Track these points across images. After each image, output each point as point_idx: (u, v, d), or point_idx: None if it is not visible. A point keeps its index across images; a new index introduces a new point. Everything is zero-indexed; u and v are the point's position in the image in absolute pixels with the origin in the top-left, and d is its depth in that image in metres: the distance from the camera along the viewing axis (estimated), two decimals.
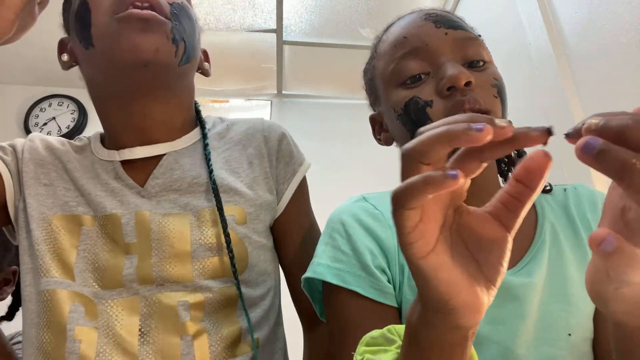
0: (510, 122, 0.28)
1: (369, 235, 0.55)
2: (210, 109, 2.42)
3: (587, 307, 0.52)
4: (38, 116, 2.21)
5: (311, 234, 0.71)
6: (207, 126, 0.72)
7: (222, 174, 0.66)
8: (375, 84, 0.64)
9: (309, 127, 2.32)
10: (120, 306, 0.57)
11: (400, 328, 0.41)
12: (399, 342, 0.40)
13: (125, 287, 0.57)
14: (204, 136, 0.69)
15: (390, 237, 0.55)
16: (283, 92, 2.51)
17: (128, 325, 0.56)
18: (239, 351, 0.59)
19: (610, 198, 0.30)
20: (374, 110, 0.68)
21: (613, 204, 0.29)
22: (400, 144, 0.63)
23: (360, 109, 0.78)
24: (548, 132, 0.27)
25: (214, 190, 0.62)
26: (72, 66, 0.66)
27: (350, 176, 2.02)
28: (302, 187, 0.73)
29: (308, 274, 0.56)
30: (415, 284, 0.32)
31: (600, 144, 0.24)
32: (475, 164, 0.29)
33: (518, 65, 1.50)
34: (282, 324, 0.70)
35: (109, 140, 0.68)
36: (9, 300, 1.01)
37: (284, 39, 2.14)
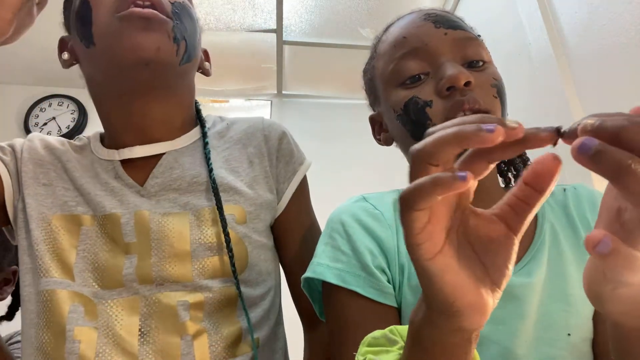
0: (519, 123, 0.27)
1: (369, 235, 0.55)
2: (210, 109, 2.42)
3: (586, 308, 0.52)
4: (38, 116, 2.21)
5: (312, 233, 0.71)
6: (207, 125, 0.72)
7: (222, 173, 0.65)
8: (375, 84, 0.64)
9: (309, 127, 2.32)
10: (120, 306, 0.57)
11: (402, 329, 0.41)
12: (401, 343, 0.40)
13: (125, 287, 0.57)
14: (204, 135, 0.69)
15: (390, 237, 0.55)
16: (283, 92, 2.50)
17: (128, 325, 0.56)
18: (239, 351, 0.59)
19: (606, 199, 0.30)
20: (374, 110, 0.68)
21: (609, 205, 0.29)
22: (400, 144, 0.63)
23: (360, 109, 0.78)
24: (558, 132, 0.27)
25: (214, 189, 0.62)
26: (72, 64, 0.66)
27: (350, 176, 2.02)
28: (303, 186, 0.73)
29: (308, 273, 0.56)
30: (418, 284, 0.32)
31: (596, 144, 0.24)
32: (484, 165, 0.29)
33: (518, 66, 1.49)
34: (282, 324, 0.69)
35: (108, 139, 0.68)
36: (8, 300, 1.01)
37: (284, 39, 2.14)
